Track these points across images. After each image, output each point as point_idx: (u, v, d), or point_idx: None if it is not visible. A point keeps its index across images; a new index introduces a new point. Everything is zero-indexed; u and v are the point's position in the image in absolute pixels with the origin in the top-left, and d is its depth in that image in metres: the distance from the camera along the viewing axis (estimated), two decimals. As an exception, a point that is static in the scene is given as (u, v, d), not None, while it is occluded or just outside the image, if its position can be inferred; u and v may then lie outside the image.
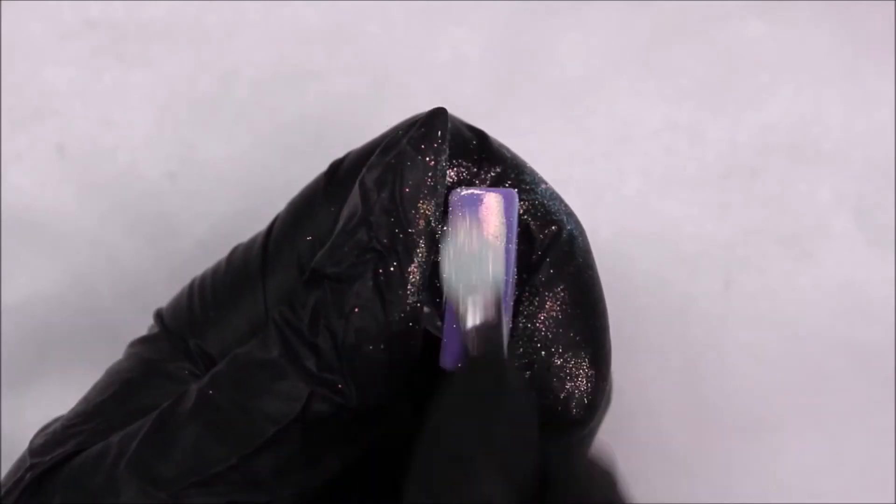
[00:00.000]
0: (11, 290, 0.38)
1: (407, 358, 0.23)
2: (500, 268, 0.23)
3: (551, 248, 0.24)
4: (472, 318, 0.21)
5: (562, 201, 0.25)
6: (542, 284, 0.24)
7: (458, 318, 0.22)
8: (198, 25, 0.39)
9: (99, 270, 0.39)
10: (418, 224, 0.23)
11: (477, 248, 0.22)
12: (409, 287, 0.23)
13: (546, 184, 0.25)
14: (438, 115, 0.24)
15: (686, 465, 0.40)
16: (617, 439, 0.40)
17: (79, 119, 0.38)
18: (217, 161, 0.39)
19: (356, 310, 0.22)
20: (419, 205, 0.23)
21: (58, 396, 0.38)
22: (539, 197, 0.25)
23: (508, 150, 0.26)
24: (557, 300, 0.24)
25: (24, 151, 0.38)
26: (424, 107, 0.25)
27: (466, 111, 0.27)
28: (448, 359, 0.23)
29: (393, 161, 0.23)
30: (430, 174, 0.23)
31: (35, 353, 0.39)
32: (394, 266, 0.23)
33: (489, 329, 0.21)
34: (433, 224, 0.23)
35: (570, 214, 0.25)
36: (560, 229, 0.24)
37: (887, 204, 0.40)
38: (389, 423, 0.24)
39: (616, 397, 0.28)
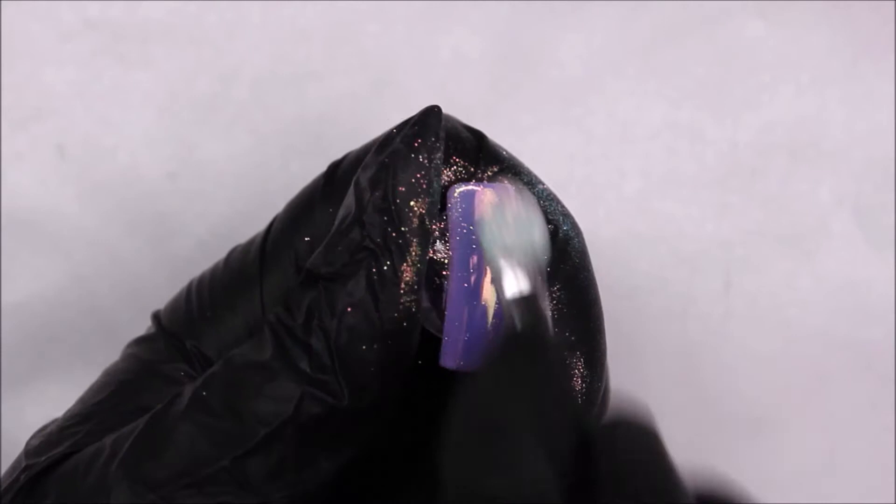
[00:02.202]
0: (11, 290, 0.38)
1: (401, 358, 0.23)
2: (546, 236, 0.22)
3: None
4: (515, 286, 0.20)
5: (559, 202, 0.25)
6: None
7: (497, 285, 0.21)
8: (198, 25, 0.39)
9: (99, 270, 0.39)
10: (412, 223, 0.22)
11: (524, 213, 0.22)
12: (402, 286, 0.22)
13: (543, 184, 0.25)
14: (432, 113, 0.24)
15: (686, 465, 0.40)
16: (617, 439, 0.40)
17: (79, 119, 0.38)
18: (217, 161, 0.39)
19: (349, 309, 0.22)
20: (413, 203, 0.23)
21: (58, 396, 0.37)
22: (535, 197, 0.25)
23: (506, 150, 0.26)
24: (553, 299, 0.24)
25: (24, 151, 0.38)
26: (424, 107, 0.25)
27: (466, 111, 0.27)
28: (448, 358, 0.23)
29: (387, 160, 0.23)
30: (423, 172, 0.23)
31: (35, 353, 0.39)
32: (387, 265, 0.22)
33: (533, 299, 0.20)
34: (427, 223, 0.23)
35: (567, 216, 0.25)
36: (556, 229, 0.24)
37: (887, 204, 0.40)
38: (383, 424, 0.24)
39: (616, 397, 0.28)
